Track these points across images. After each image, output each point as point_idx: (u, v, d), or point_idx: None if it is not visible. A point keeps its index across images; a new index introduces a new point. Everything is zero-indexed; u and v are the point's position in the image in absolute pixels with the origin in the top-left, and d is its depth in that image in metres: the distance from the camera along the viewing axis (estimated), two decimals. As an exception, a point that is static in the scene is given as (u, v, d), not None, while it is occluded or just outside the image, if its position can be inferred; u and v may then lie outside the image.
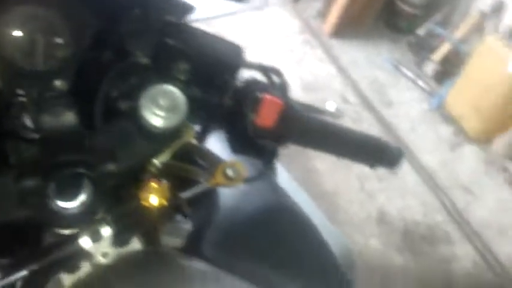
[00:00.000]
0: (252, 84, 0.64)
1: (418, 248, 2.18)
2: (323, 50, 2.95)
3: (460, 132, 2.67)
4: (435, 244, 2.20)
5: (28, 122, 0.54)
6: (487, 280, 2.14)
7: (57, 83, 0.54)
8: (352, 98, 2.73)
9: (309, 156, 2.37)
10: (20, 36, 0.51)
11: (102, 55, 0.59)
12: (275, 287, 0.60)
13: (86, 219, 0.54)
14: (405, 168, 2.45)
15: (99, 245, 0.53)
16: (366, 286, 1.89)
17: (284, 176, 1.03)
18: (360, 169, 2.40)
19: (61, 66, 0.54)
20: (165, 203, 0.55)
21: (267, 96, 0.61)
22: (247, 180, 0.62)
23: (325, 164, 2.37)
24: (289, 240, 0.73)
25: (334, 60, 2.91)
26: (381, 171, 2.37)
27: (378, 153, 0.70)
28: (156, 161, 0.57)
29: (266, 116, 0.60)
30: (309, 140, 0.68)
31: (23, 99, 0.53)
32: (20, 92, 0.53)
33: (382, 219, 2.23)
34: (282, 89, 0.65)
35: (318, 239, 0.76)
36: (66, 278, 0.57)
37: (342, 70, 2.86)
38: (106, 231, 0.52)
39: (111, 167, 0.54)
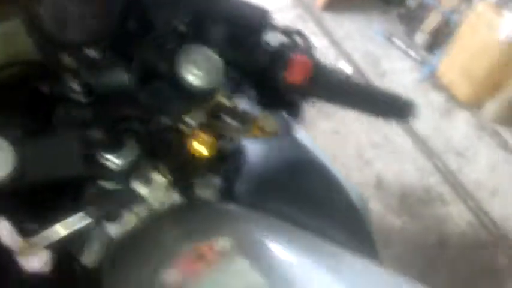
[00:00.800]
0: (282, 45, 0.69)
1: (415, 210, 2.26)
2: (315, 23, 3.00)
3: (452, 99, 2.74)
4: (430, 206, 2.29)
5: (76, 86, 0.57)
6: (481, 238, 2.23)
7: (92, 53, 0.57)
8: (346, 69, 2.78)
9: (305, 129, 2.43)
10: (54, 10, 0.53)
11: (133, 25, 0.61)
12: (303, 224, 0.65)
13: (136, 172, 0.58)
14: (400, 135, 2.53)
15: (155, 192, 0.58)
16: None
17: (303, 134, 1.08)
18: (356, 138, 2.47)
19: (95, 37, 0.57)
20: (214, 153, 0.60)
21: (298, 56, 0.66)
22: (280, 133, 0.68)
23: (321, 136, 2.44)
24: (313, 187, 0.79)
25: (327, 33, 2.96)
26: (376, 138, 2.45)
27: (394, 105, 0.76)
28: (194, 119, 0.61)
29: (297, 74, 0.66)
30: (333, 96, 0.73)
31: (70, 66, 0.57)
32: (65, 60, 0.57)
33: (379, 184, 2.31)
34: (308, 49, 0.70)
35: (339, 188, 0.82)
36: (111, 228, 0.62)
37: (335, 43, 2.92)
38: (161, 179, 0.58)
39: (165, 119, 0.58)
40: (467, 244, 2.20)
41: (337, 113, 2.52)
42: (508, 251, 2.21)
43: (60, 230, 0.60)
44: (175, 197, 0.63)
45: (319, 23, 3.00)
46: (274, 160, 0.76)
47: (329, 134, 2.45)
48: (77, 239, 0.62)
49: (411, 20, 3.05)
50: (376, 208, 2.21)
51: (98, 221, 0.61)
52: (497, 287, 2.09)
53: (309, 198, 0.74)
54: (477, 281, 2.08)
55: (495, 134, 2.61)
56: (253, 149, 0.75)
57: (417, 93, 2.76)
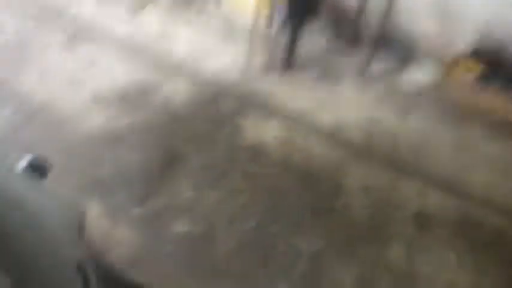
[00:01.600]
0: None
1: (138, 104, 2.31)
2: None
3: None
4: (150, 94, 2.37)
5: None
6: (204, 95, 2.39)
7: None
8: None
9: (19, 80, 2.33)
10: None
11: None
12: None
13: None
14: (103, 48, 2.57)
15: None
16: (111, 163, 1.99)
17: None
18: (60, 71, 2.44)
19: None
20: None
21: None
22: None
23: (28, 84, 2.36)
24: None
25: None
26: (85, 63, 2.44)
27: None
28: None
29: None
30: None
31: None
32: None
33: (97, 98, 2.32)
34: None
35: None
36: None
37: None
38: None
39: None
40: (199, 106, 2.35)
41: (32, 63, 2.46)
42: (235, 93, 2.42)
43: None
44: None
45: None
46: None
47: (36, 80, 2.38)
48: None
49: None
50: (101, 120, 2.22)
51: None
52: (237, 131, 2.27)
53: None
54: (221, 130, 2.24)
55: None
56: None
57: (91, 5, 2.79)
